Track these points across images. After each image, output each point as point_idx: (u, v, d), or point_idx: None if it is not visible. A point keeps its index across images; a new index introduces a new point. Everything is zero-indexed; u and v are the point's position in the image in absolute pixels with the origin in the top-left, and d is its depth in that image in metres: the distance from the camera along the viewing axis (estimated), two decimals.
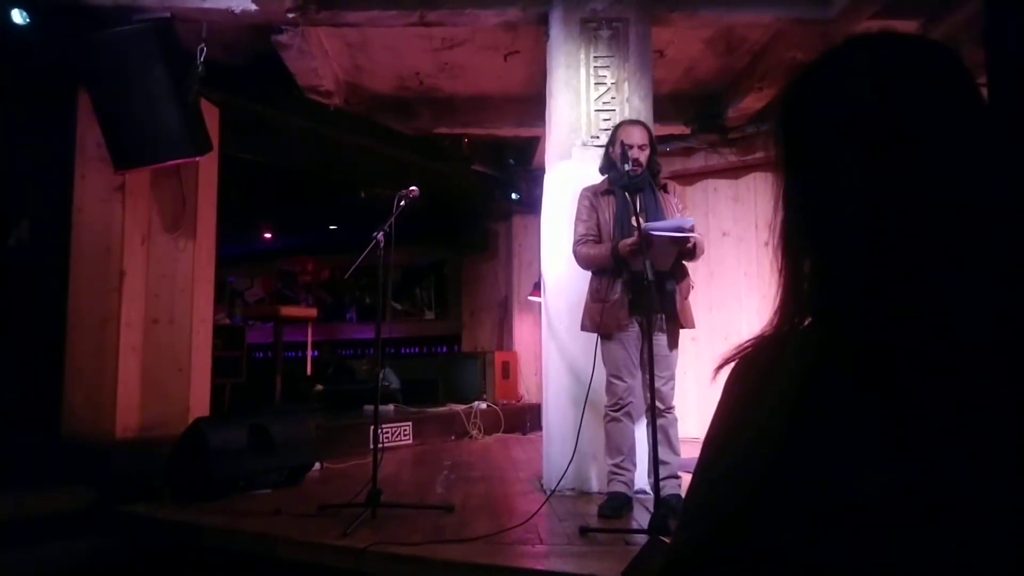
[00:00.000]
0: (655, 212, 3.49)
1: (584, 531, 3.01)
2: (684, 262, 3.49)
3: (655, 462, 3.12)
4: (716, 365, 0.70)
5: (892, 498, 0.56)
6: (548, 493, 3.71)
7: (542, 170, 4.68)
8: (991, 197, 0.64)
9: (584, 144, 4.29)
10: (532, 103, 5.75)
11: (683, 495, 3.15)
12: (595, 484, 3.90)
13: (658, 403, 3.25)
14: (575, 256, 3.65)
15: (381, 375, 7.75)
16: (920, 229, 0.63)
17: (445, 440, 6.63)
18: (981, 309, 0.60)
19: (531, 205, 7.28)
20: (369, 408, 5.38)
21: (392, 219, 3.59)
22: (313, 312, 8.92)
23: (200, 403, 5.02)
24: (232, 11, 4.38)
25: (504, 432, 7.05)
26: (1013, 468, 0.55)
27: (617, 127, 3.68)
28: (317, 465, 4.69)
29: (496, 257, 9.07)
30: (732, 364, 0.69)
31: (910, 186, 0.64)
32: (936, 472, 0.56)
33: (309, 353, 9.14)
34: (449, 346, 9.91)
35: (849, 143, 0.67)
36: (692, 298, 3.60)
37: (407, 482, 4.47)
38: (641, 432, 3.59)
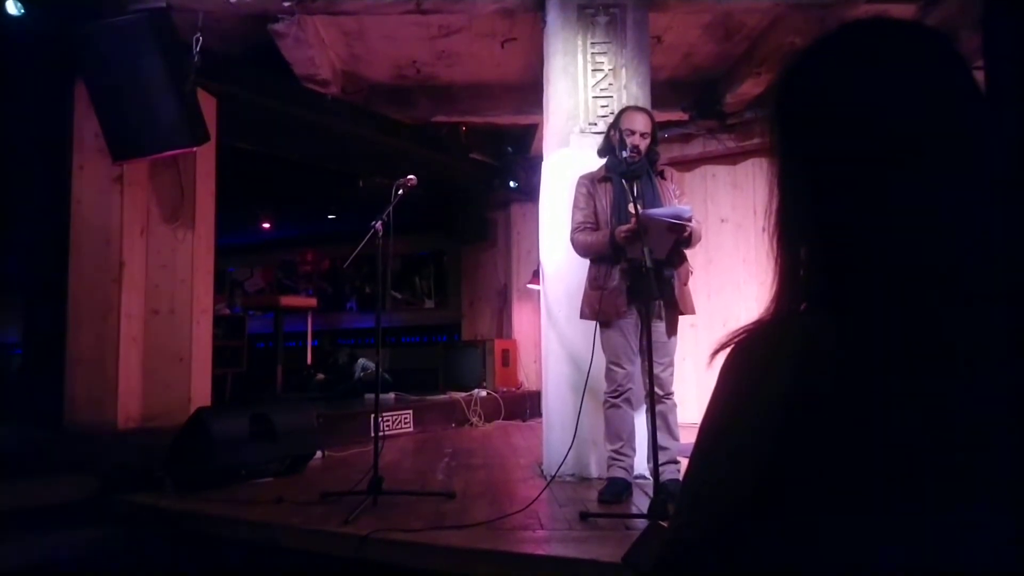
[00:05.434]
0: (652, 199, 3.48)
1: (584, 516, 3.02)
2: (682, 249, 3.49)
3: (654, 448, 3.12)
4: (711, 351, 0.70)
5: (890, 480, 0.57)
6: (548, 479, 3.73)
7: (540, 158, 4.66)
8: (985, 182, 0.64)
9: (582, 131, 4.27)
10: (529, 91, 5.73)
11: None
12: (595, 470, 3.91)
13: (657, 389, 3.25)
14: (573, 244, 3.64)
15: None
16: (914, 214, 0.64)
17: (446, 428, 6.65)
18: (978, 293, 0.61)
19: (529, 193, 7.26)
20: (370, 397, 5.40)
21: (390, 208, 3.58)
22: (313, 302, 8.93)
23: (201, 393, 5.04)
24: (228, 0, 4.36)
25: (504, 419, 7.07)
26: (1012, 446, 0.56)
27: (621, 112, 3.64)
28: (319, 453, 4.70)
29: (495, 246, 9.07)
30: (727, 350, 0.69)
31: (904, 171, 0.64)
32: (935, 452, 0.56)
33: (310, 342, 9.16)
34: (449, 335, 9.94)
35: (842, 129, 0.67)
36: (691, 284, 3.59)
37: (408, 469, 4.48)
38: (640, 418, 3.60)
